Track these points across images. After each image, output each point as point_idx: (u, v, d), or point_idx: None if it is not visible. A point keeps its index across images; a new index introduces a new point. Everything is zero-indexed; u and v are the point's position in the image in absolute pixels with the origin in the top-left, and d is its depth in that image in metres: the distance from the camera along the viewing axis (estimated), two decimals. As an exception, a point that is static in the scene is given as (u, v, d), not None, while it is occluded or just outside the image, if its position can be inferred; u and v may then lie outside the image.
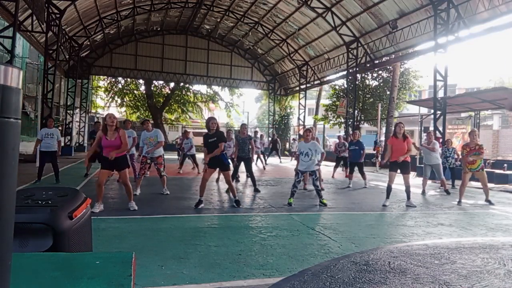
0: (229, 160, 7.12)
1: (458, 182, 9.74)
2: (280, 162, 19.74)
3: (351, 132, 12.66)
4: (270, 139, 18.26)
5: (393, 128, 7.30)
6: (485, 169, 7.77)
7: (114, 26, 24.08)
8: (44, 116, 16.17)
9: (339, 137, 12.39)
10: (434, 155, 9.15)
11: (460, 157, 8.08)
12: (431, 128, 14.04)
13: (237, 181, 10.30)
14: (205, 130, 6.54)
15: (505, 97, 11.97)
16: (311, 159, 6.83)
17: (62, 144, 20.18)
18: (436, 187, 10.45)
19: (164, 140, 7.53)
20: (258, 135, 17.22)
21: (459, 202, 7.56)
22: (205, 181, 6.40)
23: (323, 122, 26.80)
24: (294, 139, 24.43)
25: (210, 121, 6.33)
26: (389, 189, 7.14)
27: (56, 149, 8.64)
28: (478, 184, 8.38)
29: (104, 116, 5.75)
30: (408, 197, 7.10)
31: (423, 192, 8.96)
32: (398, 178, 7.38)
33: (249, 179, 8.83)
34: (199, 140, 12.63)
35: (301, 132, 22.50)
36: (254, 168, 12.47)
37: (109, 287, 1.00)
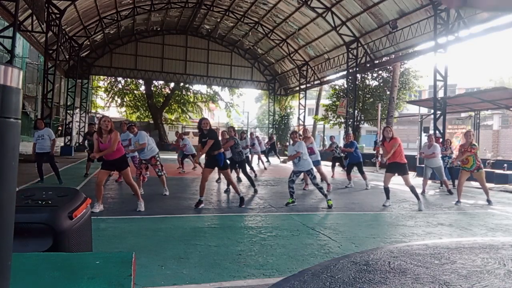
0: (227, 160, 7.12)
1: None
2: (280, 162, 19.75)
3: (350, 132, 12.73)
4: (267, 139, 18.28)
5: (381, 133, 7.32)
6: (483, 169, 7.75)
7: (114, 26, 24.08)
8: (44, 116, 16.17)
9: (331, 137, 12.57)
10: (435, 158, 9.17)
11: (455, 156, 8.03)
12: (431, 128, 14.04)
13: (239, 180, 10.30)
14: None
15: (506, 96, 11.95)
16: (300, 160, 6.84)
17: (62, 143, 20.34)
18: (436, 187, 10.45)
19: (145, 141, 7.55)
20: (255, 136, 17.24)
21: (458, 202, 7.56)
22: (204, 180, 6.40)
23: (323, 122, 26.81)
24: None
25: (202, 122, 6.46)
26: (386, 190, 7.13)
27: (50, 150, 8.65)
28: (478, 184, 8.38)
29: (99, 118, 5.68)
30: (418, 198, 6.96)
31: (423, 192, 8.96)
32: (397, 179, 7.38)
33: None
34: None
35: (300, 132, 22.47)
36: (255, 168, 12.51)
37: (109, 287, 1.00)
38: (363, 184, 9.88)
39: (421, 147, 9.40)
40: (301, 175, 7.58)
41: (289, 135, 7.44)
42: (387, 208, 6.84)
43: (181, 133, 13.71)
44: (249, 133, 15.55)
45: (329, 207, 6.68)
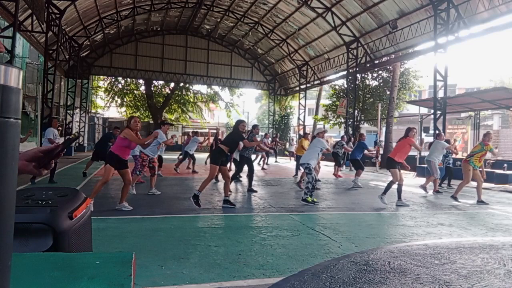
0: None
1: (454, 182, 9.77)
2: (276, 161, 19.95)
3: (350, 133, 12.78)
4: (270, 139, 18.40)
5: (405, 131, 7.49)
6: (482, 169, 7.95)
7: (114, 26, 24.07)
8: (44, 116, 16.16)
9: (342, 137, 12.70)
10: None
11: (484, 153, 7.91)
12: (431, 128, 14.04)
13: (239, 180, 10.29)
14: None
15: (506, 96, 11.95)
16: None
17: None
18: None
19: (166, 139, 7.85)
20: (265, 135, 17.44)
21: (455, 197, 7.61)
22: (212, 177, 6.58)
23: (323, 122, 26.79)
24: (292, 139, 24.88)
25: (243, 124, 6.87)
26: (390, 188, 7.26)
27: None
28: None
29: (129, 118, 6.18)
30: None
31: (424, 189, 8.99)
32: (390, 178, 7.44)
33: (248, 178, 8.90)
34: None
35: (301, 132, 22.73)
36: (256, 167, 12.52)
37: (109, 287, 1.00)
38: (364, 184, 9.88)
39: (435, 144, 9.25)
40: (299, 174, 7.68)
41: (317, 134, 7.84)
42: (387, 208, 6.85)
43: (194, 131, 14.03)
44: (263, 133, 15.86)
45: (307, 202, 6.86)
